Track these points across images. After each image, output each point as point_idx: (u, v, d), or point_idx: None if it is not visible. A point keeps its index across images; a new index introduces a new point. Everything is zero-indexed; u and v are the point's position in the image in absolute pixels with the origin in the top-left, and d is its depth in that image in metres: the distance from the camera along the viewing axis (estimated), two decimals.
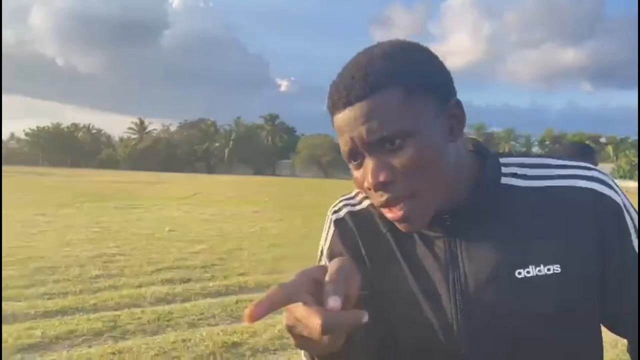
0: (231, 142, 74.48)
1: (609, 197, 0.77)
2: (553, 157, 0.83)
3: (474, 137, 0.87)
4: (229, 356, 3.92)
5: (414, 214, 0.73)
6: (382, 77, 0.70)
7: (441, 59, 0.77)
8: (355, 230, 0.87)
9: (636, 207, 0.81)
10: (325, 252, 0.89)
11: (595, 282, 0.76)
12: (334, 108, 0.74)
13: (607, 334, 0.83)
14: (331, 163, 66.70)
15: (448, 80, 0.76)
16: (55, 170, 45.28)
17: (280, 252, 8.28)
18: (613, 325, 0.80)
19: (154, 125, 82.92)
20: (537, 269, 0.75)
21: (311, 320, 0.51)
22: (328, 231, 0.90)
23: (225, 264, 7.16)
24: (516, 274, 0.75)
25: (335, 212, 0.90)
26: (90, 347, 4.05)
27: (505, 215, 0.78)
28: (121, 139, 79.70)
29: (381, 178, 0.71)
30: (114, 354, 3.87)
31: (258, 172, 69.37)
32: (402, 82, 0.70)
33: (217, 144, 76.30)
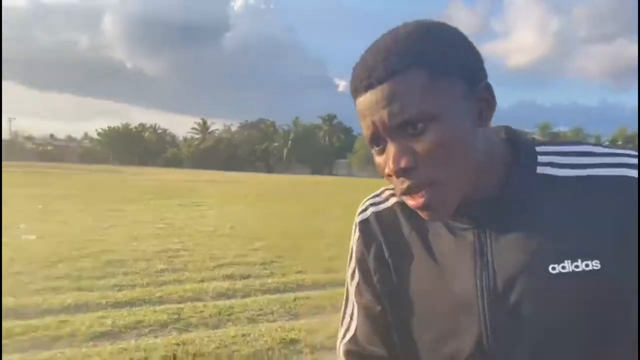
0: (289, 142, 75.50)
1: None
2: (597, 145, 0.76)
3: (528, 132, 0.82)
4: (287, 352, 3.98)
5: (436, 202, 0.70)
6: (404, 59, 0.67)
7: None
8: (379, 231, 0.84)
9: None
10: (353, 253, 0.88)
11: (637, 283, 0.70)
12: (355, 91, 0.72)
13: None
14: None
15: (477, 62, 0.72)
16: (123, 168, 47.65)
17: (337, 251, 8.30)
18: None
19: (216, 126, 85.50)
20: (574, 264, 0.69)
21: None
22: (354, 233, 0.88)
23: (283, 262, 7.27)
24: (550, 269, 0.70)
25: (360, 212, 0.88)
26: (156, 337, 4.23)
27: (540, 206, 0.73)
28: (185, 139, 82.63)
29: (402, 164, 0.68)
30: (177, 344, 4.02)
31: (315, 171, 69.88)
32: (426, 64, 0.67)
33: (276, 144, 77.57)
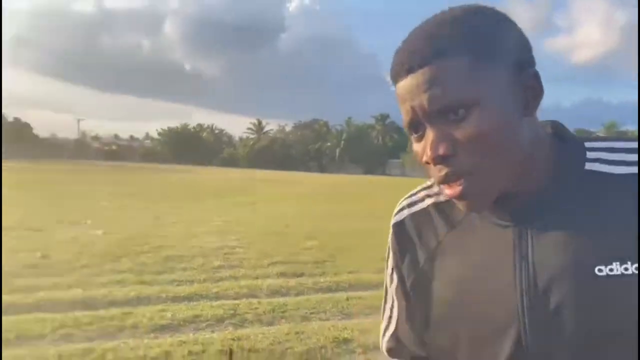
0: (342, 142, 75.54)
1: None
2: None
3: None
4: (340, 351, 4.00)
5: (474, 192, 0.67)
6: (447, 42, 0.65)
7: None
8: (414, 233, 0.83)
9: None
10: (390, 254, 0.88)
11: None
12: (396, 76, 0.70)
13: None
14: None
15: (525, 48, 0.69)
16: (182, 167, 49.27)
17: None
18: None
19: (271, 126, 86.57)
20: (623, 266, 0.64)
21: None
22: (390, 234, 0.88)
23: (335, 261, 7.30)
24: (596, 271, 0.65)
25: (396, 214, 0.87)
26: (213, 332, 4.37)
27: (587, 204, 0.69)
28: (241, 139, 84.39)
29: (441, 151, 0.66)
30: (233, 340, 4.13)
31: (368, 171, 69.53)
32: (471, 48, 0.65)
33: (328, 144, 77.81)
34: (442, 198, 0.81)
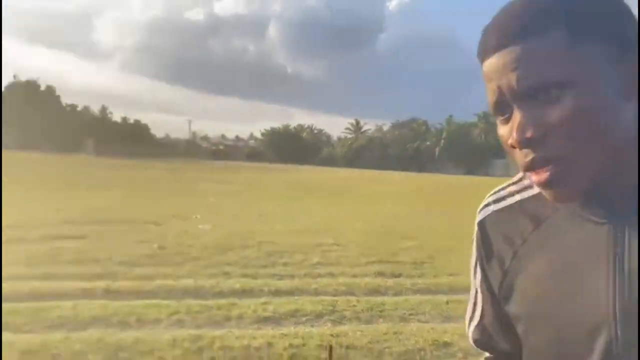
0: (442, 141, 73.62)
1: None
2: None
3: None
4: (440, 354, 3.92)
5: (563, 179, 0.61)
6: (543, 17, 0.60)
7: None
8: (498, 231, 0.78)
9: None
10: (474, 249, 0.85)
11: None
12: (484, 54, 0.65)
13: None
14: None
15: (631, 26, 0.63)
16: (284, 166, 50.95)
17: None
18: None
19: (369, 126, 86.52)
20: None
21: None
22: (475, 230, 0.83)
23: (434, 262, 7.16)
24: None
25: (481, 210, 0.83)
26: (312, 326, 4.48)
27: None
28: (339, 139, 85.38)
29: (528, 134, 0.60)
30: (332, 336, 4.21)
31: (470, 171, 67.04)
32: (568, 24, 0.60)
33: (427, 143, 76.24)
34: (529, 193, 0.76)
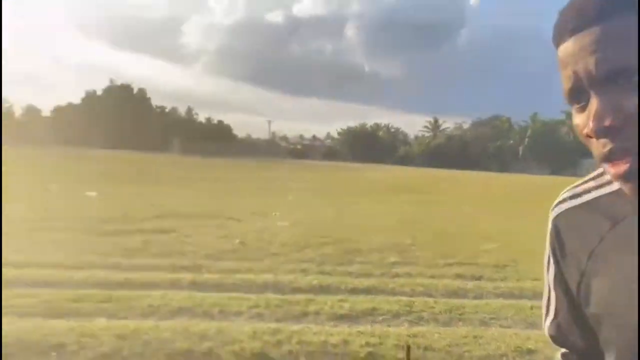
0: (526, 139, 70.19)
1: None
2: None
3: None
4: None
5: None
6: None
7: None
8: (573, 228, 0.74)
9: None
10: (548, 245, 0.80)
11: None
12: (559, 37, 0.62)
13: None
14: None
15: None
16: (360, 165, 50.92)
17: None
18: None
19: (447, 124, 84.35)
20: None
21: None
22: (549, 225, 0.79)
23: (517, 266, 6.84)
24: None
25: (556, 205, 0.79)
26: (389, 326, 4.45)
27: None
28: (416, 137, 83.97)
29: (607, 122, 0.56)
30: (409, 336, 4.16)
31: (556, 171, 63.33)
32: None
33: (510, 142, 73.01)
34: (607, 190, 0.72)
